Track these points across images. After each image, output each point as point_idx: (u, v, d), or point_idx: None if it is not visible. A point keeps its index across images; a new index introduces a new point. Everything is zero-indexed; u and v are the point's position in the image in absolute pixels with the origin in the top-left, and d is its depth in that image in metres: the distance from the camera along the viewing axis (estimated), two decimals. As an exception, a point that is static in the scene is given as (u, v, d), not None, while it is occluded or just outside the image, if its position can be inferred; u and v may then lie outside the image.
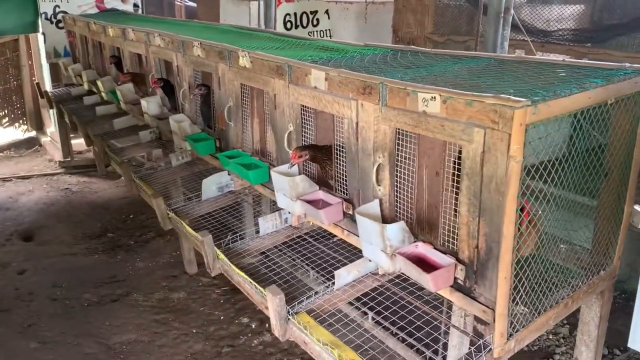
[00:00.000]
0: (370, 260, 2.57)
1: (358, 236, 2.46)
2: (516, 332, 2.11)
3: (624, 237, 2.44)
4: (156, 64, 4.54)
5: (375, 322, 3.13)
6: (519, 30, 4.66)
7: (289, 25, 7.03)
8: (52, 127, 8.47)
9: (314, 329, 2.25)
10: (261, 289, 2.45)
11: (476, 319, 2.11)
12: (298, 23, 7.09)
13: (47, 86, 7.69)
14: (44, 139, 8.71)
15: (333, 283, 2.53)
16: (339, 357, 2.08)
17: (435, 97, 2.01)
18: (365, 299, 2.57)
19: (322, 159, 2.75)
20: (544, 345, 4.28)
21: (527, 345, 4.23)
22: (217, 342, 4.34)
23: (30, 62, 8.57)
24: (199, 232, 2.91)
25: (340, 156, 2.69)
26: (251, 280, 2.56)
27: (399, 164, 2.37)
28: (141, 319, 4.59)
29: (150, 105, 4.34)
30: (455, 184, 2.15)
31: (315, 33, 7.53)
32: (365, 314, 4.45)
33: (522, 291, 2.05)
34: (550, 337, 4.40)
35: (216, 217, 3.48)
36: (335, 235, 2.98)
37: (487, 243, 1.98)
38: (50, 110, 7.79)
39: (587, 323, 2.61)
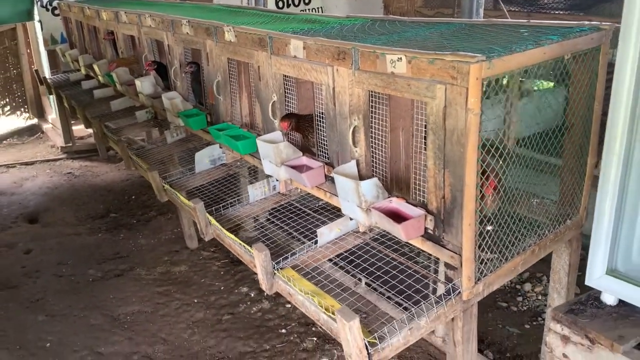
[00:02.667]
0: (351, 219, 2.73)
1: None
2: (484, 276, 2.26)
3: (589, 188, 2.58)
4: (148, 45, 4.66)
5: (358, 278, 3.30)
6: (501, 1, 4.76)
7: (280, 4, 7.12)
8: (53, 114, 8.62)
9: (297, 281, 2.41)
10: (248, 247, 2.61)
11: (446, 265, 2.27)
12: (290, 2, 7.17)
13: (46, 73, 7.82)
14: (46, 126, 8.87)
15: (316, 241, 2.69)
16: (319, 304, 2.25)
17: (401, 58, 2.15)
18: (350, 256, 2.73)
19: (305, 127, 2.89)
20: (533, 306, 4.43)
21: (517, 306, 4.40)
22: (217, 311, 4.52)
23: (29, 51, 8.70)
24: (191, 200, 3.06)
25: (320, 123, 2.83)
26: (240, 241, 2.72)
27: (373, 125, 2.51)
28: (144, 292, 4.78)
29: (144, 84, 4.48)
30: (424, 143, 2.29)
31: (307, 11, 7.62)
32: (359, 278, 4.62)
33: (487, 238, 2.20)
34: (540, 297, 4.54)
35: (209, 188, 3.64)
36: (320, 200, 3.13)
37: (452, 193, 2.12)
38: (51, 97, 7.95)
39: (557, 271, 2.77)
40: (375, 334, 2.03)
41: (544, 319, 4.22)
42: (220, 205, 3.15)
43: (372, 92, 2.42)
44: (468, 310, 2.31)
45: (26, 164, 7.93)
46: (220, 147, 3.78)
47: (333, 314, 2.04)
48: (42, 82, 7.41)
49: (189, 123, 3.83)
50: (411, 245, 2.48)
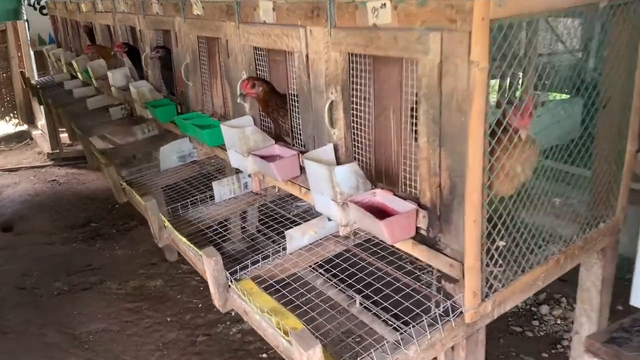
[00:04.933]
0: (329, 220, 2.21)
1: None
2: (494, 292, 1.72)
3: (628, 183, 2.04)
4: (123, 33, 4.22)
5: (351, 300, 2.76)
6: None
7: None
8: (42, 120, 8.22)
9: (256, 297, 1.89)
10: (198, 250, 2.10)
11: (444, 276, 1.73)
12: None
13: (34, 75, 7.43)
14: (35, 132, 8.48)
15: (285, 247, 2.17)
16: (276, 325, 1.72)
17: (385, 4, 1.64)
18: (326, 265, 2.19)
19: (276, 108, 2.39)
20: (552, 331, 3.86)
21: (533, 331, 3.83)
22: (192, 331, 4.00)
23: (19, 54, 8.33)
24: (143, 197, 2.56)
25: (295, 106, 2.33)
26: (191, 245, 2.21)
27: (355, 101, 2.00)
28: (113, 308, 4.27)
29: (116, 76, 4.02)
30: (415, 119, 1.78)
31: None
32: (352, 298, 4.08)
33: (498, 241, 1.67)
34: (559, 321, 3.98)
35: (175, 188, 3.14)
36: (301, 201, 2.62)
37: (451, 178, 1.60)
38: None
39: (586, 289, 2.21)
40: (345, 367, 1.51)
41: (564, 347, 3.67)
42: (179, 204, 2.64)
43: (352, 55, 1.91)
44: (473, 337, 1.76)
45: (10, 170, 7.50)
46: (191, 142, 3.29)
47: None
48: (27, 84, 7.01)
49: (156, 114, 3.35)
50: (401, 251, 1.96)
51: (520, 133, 1.58)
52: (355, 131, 2.05)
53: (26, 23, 7.16)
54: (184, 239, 2.29)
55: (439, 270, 1.74)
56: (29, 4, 7.07)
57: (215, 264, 1.94)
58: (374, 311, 1.82)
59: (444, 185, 1.63)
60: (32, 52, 7.23)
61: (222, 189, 2.70)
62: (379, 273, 1.99)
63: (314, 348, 1.42)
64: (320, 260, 2.15)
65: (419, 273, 1.92)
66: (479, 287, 1.66)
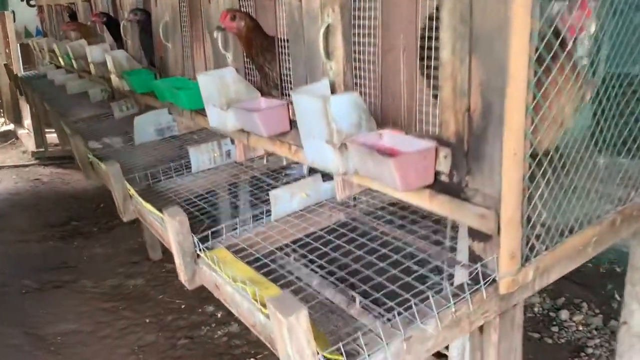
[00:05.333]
0: (324, 179, 1.81)
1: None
2: (536, 255, 1.32)
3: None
4: (104, 6, 3.86)
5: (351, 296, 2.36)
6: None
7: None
8: (29, 119, 7.85)
9: (230, 266, 1.48)
10: (158, 213, 1.70)
11: (472, 234, 1.33)
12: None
13: (21, 69, 7.09)
14: (21, 132, 8.11)
15: (269, 212, 1.77)
16: (252, 296, 1.31)
17: None
18: (328, 236, 1.78)
19: (263, 51, 2.00)
20: (573, 338, 3.46)
21: (552, 337, 3.43)
22: (173, 333, 3.59)
23: (7, 51, 7.98)
24: (105, 162, 2.17)
25: (284, 53, 1.95)
26: (155, 210, 1.81)
27: (357, 23, 1.61)
28: (86, 307, 3.86)
29: (95, 52, 3.64)
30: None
31: None
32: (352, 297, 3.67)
33: (543, 186, 1.27)
34: (581, 328, 3.58)
35: (153, 163, 2.73)
36: (294, 170, 2.23)
37: (484, 97, 1.20)
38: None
39: (638, 268, 1.80)
40: (341, 345, 1.09)
41: (587, 354, 3.28)
42: (148, 171, 2.25)
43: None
44: (508, 315, 1.35)
45: (-10, 169, 7.12)
46: (171, 113, 2.90)
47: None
48: (10, 77, 6.65)
49: (131, 82, 2.96)
50: (414, 213, 1.55)
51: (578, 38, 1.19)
52: (358, 71, 1.66)
53: (12, 14, 6.81)
54: (148, 205, 1.89)
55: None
56: (16, -5, 6.75)
57: (181, 225, 1.54)
58: (378, 280, 1.41)
59: (474, 108, 1.23)
60: (17, 45, 6.87)
61: (200, 157, 2.31)
62: (386, 238, 1.58)
63: (296, 313, 1.02)
64: (316, 230, 1.74)
65: (438, 237, 1.52)
66: (518, 247, 1.25)
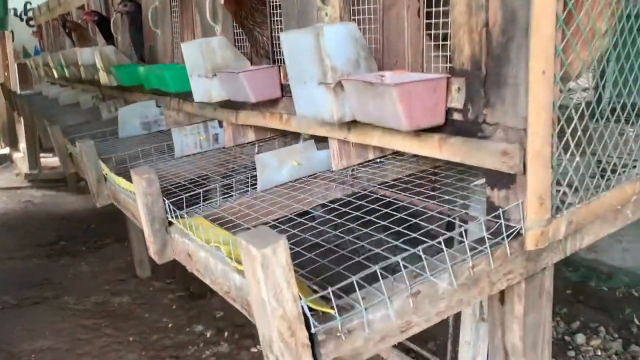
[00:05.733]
0: (318, 146, 1.60)
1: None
2: (568, 207, 1.09)
3: None
4: (97, 7, 3.74)
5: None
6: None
7: None
8: (24, 142, 7.71)
9: (207, 231, 1.25)
10: (124, 182, 1.48)
11: (491, 180, 1.11)
12: None
13: (17, 89, 6.98)
14: (16, 155, 7.96)
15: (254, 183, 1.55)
16: (227, 254, 1.09)
17: None
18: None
19: (252, 12, 1.81)
20: (592, 364, 3.18)
21: (567, 363, 3.18)
22: (157, 353, 3.31)
23: (6, 74, 7.91)
24: (79, 141, 1.96)
25: (275, 15, 1.77)
26: (127, 184, 1.59)
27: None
28: (66, 324, 3.59)
29: (85, 53, 3.49)
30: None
31: None
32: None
33: (576, 120, 1.05)
34: (599, 352, 3.31)
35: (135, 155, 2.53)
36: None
37: (506, 6, 1.00)
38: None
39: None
40: (330, 290, 0.86)
41: (608, 381, 2.99)
42: (126, 153, 2.04)
43: None
44: (536, 280, 1.12)
45: (-19, 192, 6.93)
46: (158, 106, 2.71)
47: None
48: (5, 96, 6.53)
49: (118, 75, 2.79)
50: (425, 186, 1.33)
51: None
52: (357, 12, 1.48)
53: (11, 34, 6.75)
54: (122, 180, 1.67)
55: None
56: (15, 14, 6.69)
57: (149, 184, 1.32)
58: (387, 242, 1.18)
59: (493, 21, 1.03)
60: (15, 65, 6.78)
61: (185, 140, 2.10)
62: (396, 201, 1.34)
63: (273, 245, 0.79)
64: (306, 207, 1.51)
65: (448, 197, 1.29)
66: (548, 190, 1.03)
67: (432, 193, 1.31)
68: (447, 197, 1.27)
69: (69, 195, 6.88)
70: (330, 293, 0.85)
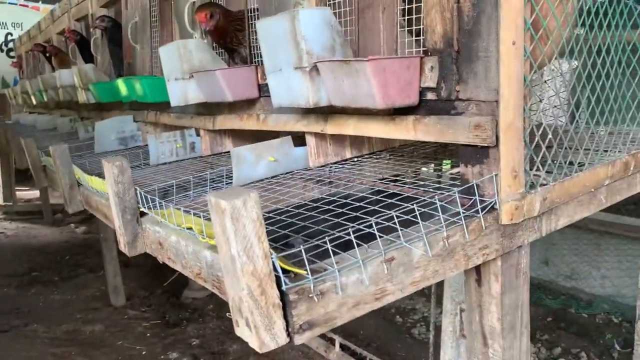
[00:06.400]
0: (295, 142, 1.59)
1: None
2: (542, 185, 1.09)
3: None
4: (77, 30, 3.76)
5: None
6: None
7: None
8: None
9: (179, 219, 1.22)
10: (95, 179, 1.45)
11: (463, 157, 1.11)
12: None
13: (-7, 122, 6.88)
14: (-8, 189, 7.79)
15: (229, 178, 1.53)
16: (198, 232, 1.06)
17: None
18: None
19: (236, 33, 1.82)
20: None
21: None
22: (129, 380, 3.19)
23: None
24: (52, 145, 1.93)
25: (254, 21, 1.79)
26: (100, 184, 1.56)
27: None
28: (33, 352, 3.46)
29: (64, 74, 3.48)
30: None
31: None
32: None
33: (547, 95, 1.07)
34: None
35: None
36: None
37: (476, -20, 1.03)
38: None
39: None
40: (302, 247, 0.83)
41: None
42: (100, 156, 2.01)
43: None
44: (512, 257, 1.11)
45: (-47, 224, 6.76)
46: (136, 121, 2.70)
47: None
48: (-19, 126, 6.44)
49: (96, 92, 2.78)
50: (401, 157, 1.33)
51: None
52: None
53: (-10, 65, 6.74)
54: (96, 180, 1.64)
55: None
56: (-5, 46, 6.70)
57: (120, 172, 1.29)
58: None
59: (464, -3, 1.05)
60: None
61: (160, 147, 2.08)
62: (372, 195, 1.33)
63: (244, 197, 0.77)
64: (283, 207, 1.49)
65: (427, 183, 1.28)
66: (521, 162, 1.03)
67: (409, 181, 1.30)
68: (422, 183, 1.26)
69: (43, 228, 6.74)
70: (303, 252, 0.82)
